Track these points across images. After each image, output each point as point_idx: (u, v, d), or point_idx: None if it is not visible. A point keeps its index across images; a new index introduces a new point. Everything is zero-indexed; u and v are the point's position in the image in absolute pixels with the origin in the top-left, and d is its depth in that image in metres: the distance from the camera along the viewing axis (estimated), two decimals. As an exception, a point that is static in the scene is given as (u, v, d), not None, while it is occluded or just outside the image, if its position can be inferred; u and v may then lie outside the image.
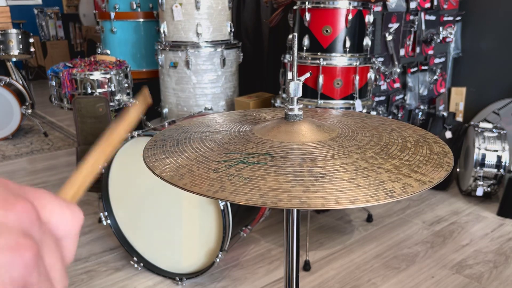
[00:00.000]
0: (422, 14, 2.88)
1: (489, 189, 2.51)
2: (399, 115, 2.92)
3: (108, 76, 2.58)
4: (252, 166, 0.66)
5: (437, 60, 3.12)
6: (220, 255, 1.70)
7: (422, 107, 3.03)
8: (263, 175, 0.64)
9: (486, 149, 2.48)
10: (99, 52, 3.02)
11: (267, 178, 0.63)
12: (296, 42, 0.81)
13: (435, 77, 3.10)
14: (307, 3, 2.14)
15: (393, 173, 0.65)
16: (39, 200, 0.26)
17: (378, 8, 2.57)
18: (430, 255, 2.07)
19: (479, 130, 2.54)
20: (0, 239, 0.22)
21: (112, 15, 3.20)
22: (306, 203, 0.57)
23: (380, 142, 0.78)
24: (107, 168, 1.87)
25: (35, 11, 6.75)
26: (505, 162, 2.46)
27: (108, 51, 3.02)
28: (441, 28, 3.03)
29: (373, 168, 0.66)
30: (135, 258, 1.91)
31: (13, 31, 4.14)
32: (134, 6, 3.21)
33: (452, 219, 2.42)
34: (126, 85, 2.70)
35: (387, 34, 2.66)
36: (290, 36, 2.33)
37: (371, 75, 2.27)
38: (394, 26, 2.70)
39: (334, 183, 0.62)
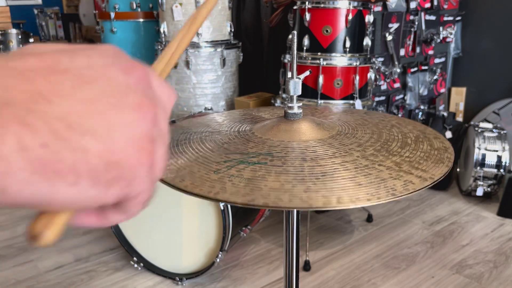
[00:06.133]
0: (422, 14, 2.88)
1: (489, 189, 2.51)
2: (399, 115, 2.92)
3: (108, 76, 2.57)
4: (252, 166, 0.66)
5: (437, 60, 3.12)
6: (220, 255, 1.69)
7: (422, 107, 3.03)
8: (264, 175, 0.63)
9: (486, 149, 2.47)
10: (99, 52, 3.01)
11: (268, 178, 0.63)
12: (295, 40, 0.81)
13: (435, 77, 3.09)
14: (307, 3, 2.14)
15: (394, 170, 0.65)
16: (148, 70, 0.28)
17: (378, 8, 2.57)
18: (430, 255, 2.07)
19: (479, 130, 2.54)
20: (127, 98, 0.25)
21: (112, 15, 3.20)
22: (307, 203, 0.57)
23: (380, 139, 0.78)
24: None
25: (35, 11, 6.74)
26: (505, 162, 2.46)
27: (108, 51, 3.01)
28: (441, 28, 3.03)
29: (374, 165, 0.66)
30: (135, 258, 1.90)
31: (13, 31, 4.14)
32: (134, 6, 3.21)
33: (452, 219, 2.42)
34: (126, 85, 2.70)
35: (387, 34, 2.66)
36: (290, 36, 2.33)
37: (371, 75, 2.27)
38: (394, 26, 2.70)
39: (335, 182, 0.61)
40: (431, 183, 0.63)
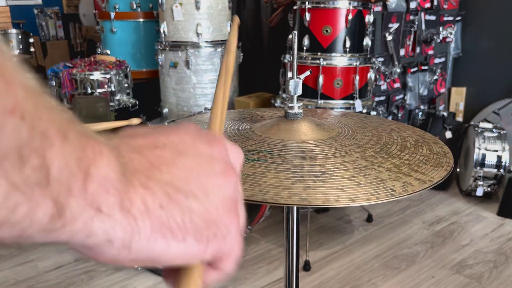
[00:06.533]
0: (422, 14, 2.88)
1: (489, 189, 2.51)
2: (399, 115, 2.92)
3: (108, 76, 2.58)
4: (252, 162, 0.66)
5: (437, 60, 3.12)
6: (220, 255, 1.69)
7: (422, 107, 3.03)
8: (263, 172, 0.64)
9: (486, 149, 2.48)
10: (99, 52, 3.02)
11: (267, 175, 0.63)
12: (296, 40, 0.81)
13: (435, 77, 3.09)
14: (307, 3, 2.14)
15: (393, 172, 0.65)
16: (222, 139, 0.33)
17: (378, 8, 2.57)
18: (430, 255, 2.07)
19: (479, 130, 2.54)
20: (214, 166, 0.29)
21: (112, 15, 3.20)
22: (306, 200, 0.57)
23: (380, 141, 0.78)
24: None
25: (35, 11, 6.74)
26: (505, 162, 2.46)
27: (108, 51, 3.02)
28: (441, 28, 3.03)
29: (373, 166, 0.66)
30: (135, 258, 1.90)
31: (13, 31, 4.14)
32: (134, 6, 3.21)
33: (452, 219, 2.42)
34: (126, 85, 2.70)
35: (387, 34, 2.66)
36: (290, 36, 2.33)
37: (371, 75, 2.27)
38: (394, 26, 2.70)
39: (334, 181, 0.62)
40: (430, 186, 0.63)
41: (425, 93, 3.07)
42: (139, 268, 1.92)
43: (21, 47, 4.17)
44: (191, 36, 2.65)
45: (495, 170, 2.47)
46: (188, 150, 0.29)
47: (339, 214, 2.45)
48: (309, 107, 2.18)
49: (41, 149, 0.21)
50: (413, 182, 0.63)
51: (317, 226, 2.33)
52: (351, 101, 2.21)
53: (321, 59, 2.14)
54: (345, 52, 2.16)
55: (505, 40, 3.04)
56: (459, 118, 3.27)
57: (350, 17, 2.10)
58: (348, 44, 2.14)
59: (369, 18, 2.19)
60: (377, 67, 2.46)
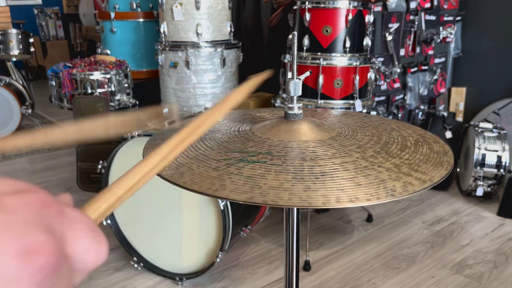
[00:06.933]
0: (422, 14, 2.88)
1: (489, 189, 2.51)
2: (399, 115, 2.92)
3: (108, 76, 2.57)
4: (252, 164, 0.66)
5: (437, 60, 3.12)
6: (220, 255, 1.69)
7: (422, 107, 3.02)
8: (264, 173, 0.64)
9: (486, 149, 2.47)
10: (99, 52, 3.02)
11: (267, 177, 0.63)
12: (296, 41, 0.81)
13: (435, 77, 3.09)
14: (307, 3, 2.14)
15: (393, 172, 0.65)
16: (73, 231, 0.23)
17: (378, 8, 2.57)
18: (430, 255, 2.07)
19: (479, 130, 2.54)
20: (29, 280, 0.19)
21: (112, 15, 3.20)
22: (307, 202, 0.57)
23: (380, 141, 0.78)
24: (107, 168, 1.87)
25: (35, 11, 6.74)
26: (505, 162, 2.46)
27: (108, 51, 3.02)
28: (441, 28, 3.03)
29: (373, 167, 0.66)
30: (135, 258, 1.90)
31: (13, 31, 4.14)
32: (134, 6, 3.21)
33: (452, 219, 2.42)
34: (126, 85, 2.70)
35: (387, 34, 2.66)
36: (290, 36, 2.33)
37: (371, 75, 2.27)
38: (394, 26, 2.70)
39: (334, 182, 0.62)
40: (430, 185, 0.63)
41: (425, 93, 3.07)
42: (139, 268, 1.92)
43: (21, 47, 4.17)
44: (191, 36, 2.65)
45: (495, 170, 2.47)
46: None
47: (339, 214, 2.45)
48: (309, 107, 2.18)
49: None
50: (413, 182, 0.63)
51: (317, 226, 2.33)
52: (351, 101, 2.21)
53: (321, 59, 2.14)
54: (345, 52, 2.16)
55: (505, 40, 3.04)
56: (459, 118, 3.27)
57: (350, 17, 2.10)
58: (348, 44, 2.14)
59: (369, 18, 2.19)
60: (377, 67, 2.46)
